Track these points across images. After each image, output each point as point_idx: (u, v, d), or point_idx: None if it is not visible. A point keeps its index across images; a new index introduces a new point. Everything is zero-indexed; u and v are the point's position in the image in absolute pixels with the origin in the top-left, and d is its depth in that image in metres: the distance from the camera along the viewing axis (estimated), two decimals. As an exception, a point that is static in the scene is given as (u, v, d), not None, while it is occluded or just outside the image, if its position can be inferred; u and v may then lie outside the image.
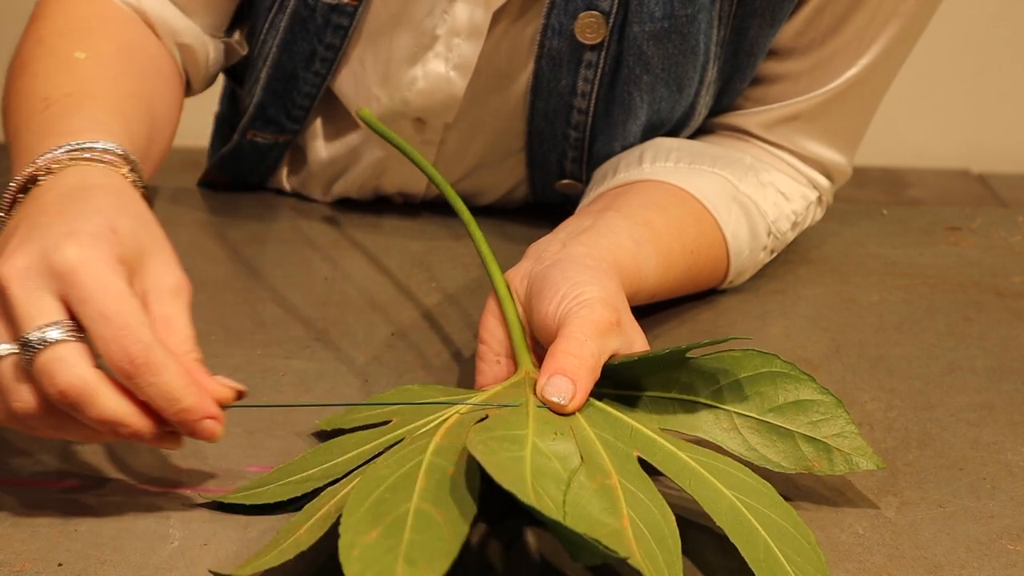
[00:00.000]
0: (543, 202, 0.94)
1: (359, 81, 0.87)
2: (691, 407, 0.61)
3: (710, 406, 0.61)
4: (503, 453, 0.53)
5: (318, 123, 0.93)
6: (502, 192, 0.95)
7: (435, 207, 0.97)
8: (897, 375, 0.74)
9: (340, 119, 0.92)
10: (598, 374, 0.60)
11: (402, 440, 0.58)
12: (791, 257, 0.89)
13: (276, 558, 0.52)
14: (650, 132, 0.86)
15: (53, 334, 0.54)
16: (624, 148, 0.86)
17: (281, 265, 0.86)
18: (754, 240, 0.82)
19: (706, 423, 0.60)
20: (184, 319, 0.57)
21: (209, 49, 0.86)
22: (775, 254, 0.86)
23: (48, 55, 0.75)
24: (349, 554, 0.49)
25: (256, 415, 0.67)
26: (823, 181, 0.87)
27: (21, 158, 0.65)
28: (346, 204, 0.96)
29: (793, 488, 0.62)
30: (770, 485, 0.57)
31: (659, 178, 0.81)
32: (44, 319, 0.54)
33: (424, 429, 0.58)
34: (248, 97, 0.90)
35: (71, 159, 0.62)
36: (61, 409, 0.54)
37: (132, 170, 0.64)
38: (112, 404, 0.54)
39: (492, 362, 0.66)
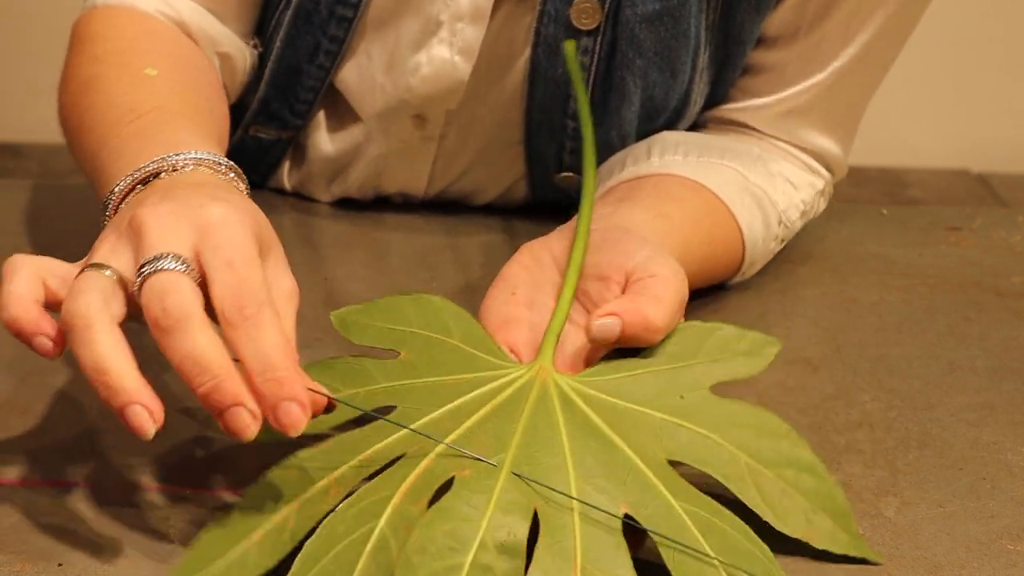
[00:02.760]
0: (542, 200, 0.94)
1: (363, 71, 0.87)
2: (704, 440, 0.58)
3: (722, 445, 0.58)
4: (437, 563, 0.51)
5: (321, 119, 0.93)
6: (501, 189, 0.95)
7: (435, 207, 0.97)
8: (897, 375, 0.74)
9: (343, 114, 0.92)
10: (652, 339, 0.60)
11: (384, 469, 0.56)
12: (791, 256, 0.90)
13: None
14: (645, 120, 0.86)
15: (171, 263, 0.53)
16: (620, 137, 0.87)
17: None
18: (767, 230, 0.83)
19: (717, 461, 0.58)
20: (291, 323, 0.57)
21: (246, 56, 0.87)
22: (784, 244, 0.86)
23: (117, 71, 0.76)
24: None
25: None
26: (825, 172, 0.88)
27: (117, 161, 0.65)
28: (347, 204, 0.96)
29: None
30: (771, 555, 0.55)
31: (670, 171, 0.81)
32: (169, 250, 0.53)
33: (396, 467, 0.55)
34: (251, 93, 0.90)
35: (196, 163, 0.62)
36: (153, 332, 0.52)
37: (243, 182, 0.65)
38: (205, 341, 0.51)
39: (503, 300, 0.65)
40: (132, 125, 0.69)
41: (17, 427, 0.65)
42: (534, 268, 0.67)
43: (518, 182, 0.94)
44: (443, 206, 0.97)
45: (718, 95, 0.87)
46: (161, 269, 0.53)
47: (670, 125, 0.87)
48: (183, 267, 0.53)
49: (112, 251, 0.55)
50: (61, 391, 0.69)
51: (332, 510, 0.54)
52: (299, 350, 0.74)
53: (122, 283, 0.54)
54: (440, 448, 0.56)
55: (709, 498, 0.56)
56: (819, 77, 0.84)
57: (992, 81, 2.22)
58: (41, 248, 0.87)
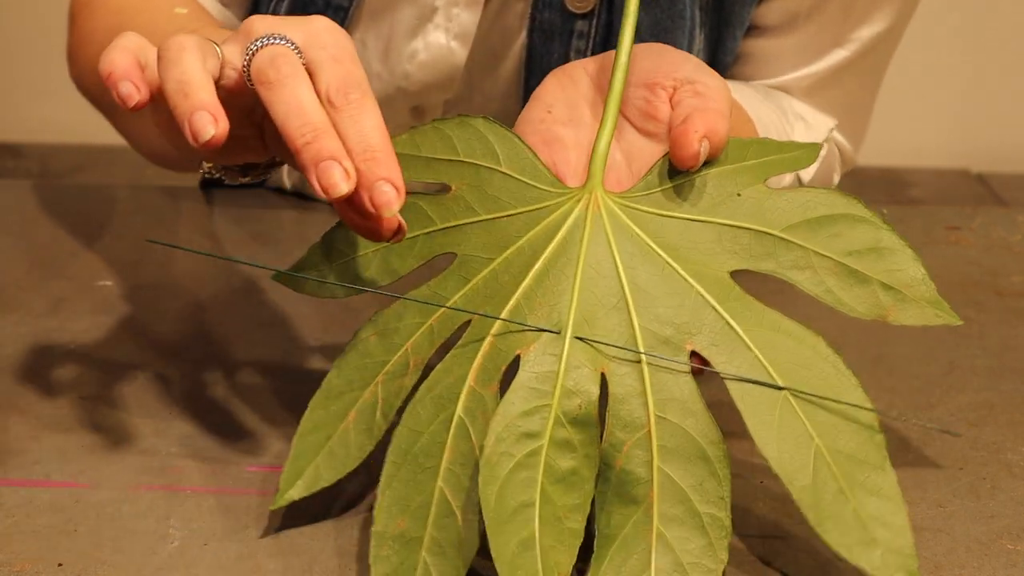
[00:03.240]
0: None
1: (363, 60, 0.87)
2: (763, 240, 0.57)
3: (785, 241, 0.57)
4: (518, 453, 0.53)
5: None
6: None
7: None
8: (897, 375, 0.74)
9: None
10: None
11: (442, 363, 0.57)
12: (791, 257, 0.89)
13: (329, 472, 0.57)
14: None
15: (281, 41, 0.54)
16: None
17: (281, 265, 0.86)
18: None
19: (779, 258, 0.57)
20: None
21: None
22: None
23: (147, 14, 0.75)
24: (379, 552, 0.53)
25: (255, 416, 0.67)
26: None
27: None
28: (346, 204, 0.96)
29: (793, 488, 0.62)
30: (844, 366, 0.55)
31: None
32: (278, 34, 0.54)
33: (461, 348, 0.57)
34: None
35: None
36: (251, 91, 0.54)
37: None
38: (311, 97, 0.52)
39: (539, 119, 0.62)
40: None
41: (17, 427, 0.65)
42: (569, 86, 0.63)
43: None
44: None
45: None
46: (272, 44, 0.53)
47: None
48: (292, 47, 0.54)
49: (221, 44, 0.55)
50: (61, 391, 0.69)
51: (415, 387, 0.56)
52: (299, 350, 0.74)
53: (224, 63, 0.55)
54: (504, 316, 0.57)
55: (774, 313, 0.56)
56: (817, 67, 0.84)
57: (992, 81, 2.22)
58: (41, 248, 0.87)
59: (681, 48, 0.82)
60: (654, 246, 0.57)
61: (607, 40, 0.83)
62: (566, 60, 0.84)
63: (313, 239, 0.90)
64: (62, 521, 0.58)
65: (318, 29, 0.55)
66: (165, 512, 0.59)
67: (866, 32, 0.83)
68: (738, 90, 0.80)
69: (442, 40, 0.84)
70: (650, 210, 0.58)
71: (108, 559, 0.56)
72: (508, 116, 0.89)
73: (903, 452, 0.66)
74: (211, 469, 0.62)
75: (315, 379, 0.71)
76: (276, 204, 0.96)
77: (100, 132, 0.98)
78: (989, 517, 0.61)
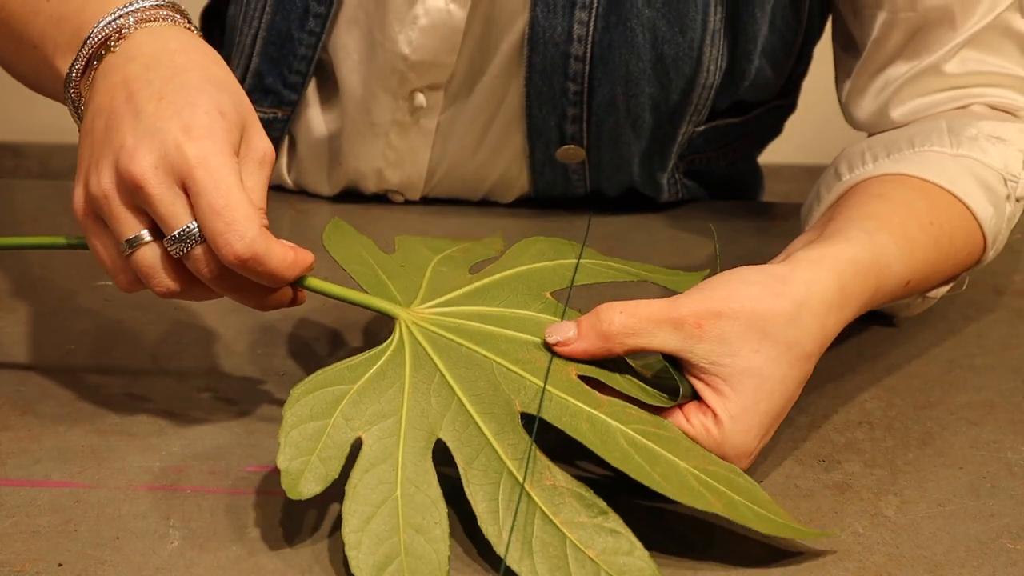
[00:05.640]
0: (543, 188, 0.94)
1: (359, 32, 0.88)
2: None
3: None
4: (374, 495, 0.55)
5: (317, 103, 0.93)
6: (500, 171, 0.94)
7: (435, 204, 0.97)
8: (897, 374, 0.74)
9: (336, 95, 0.92)
10: (610, 347, 0.60)
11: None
12: (791, 256, 0.89)
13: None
14: (656, 81, 0.86)
15: (181, 246, 0.59)
16: (628, 97, 0.87)
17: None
18: (992, 194, 0.77)
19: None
20: (261, 190, 0.62)
21: None
22: (1022, 202, 0.80)
23: None
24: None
25: (255, 416, 0.67)
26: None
27: (65, 23, 0.65)
28: (347, 203, 0.96)
29: (792, 487, 0.62)
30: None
31: (865, 178, 0.77)
32: (185, 216, 0.59)
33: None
34: (242, 68, 0.91)
35: (137, 20, 0.63)
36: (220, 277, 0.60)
37: (183, 15, 0.65)
38: (279, 253, 0.61)
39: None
40: None
41: (17, 427, 0.65)
42: None
43: (518, 164, 0.94)
44: (442, 207, 0.97)
45: (736, 72, 0.87)
46: (197, 238, 0.59)
47: (685, 94, 0.87)
48: (192, 238, 0.59)
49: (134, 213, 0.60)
50: (61, 391, 0.69)
51: None
52: (300, 352, 0.74)
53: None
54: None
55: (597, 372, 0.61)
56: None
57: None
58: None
59: (694, 23, 0.83)
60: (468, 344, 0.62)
61: (608, 13, 0.83)
62: (569, 34, 0.84)
63: (313, 238, 0.90)
64: (62, 521, 0.58)
65: (188, 170, 0.59)
66: (165, 512, 0.59)
67: None
68: (920, 161, 0.77)
69: (440, 3, 0.85)
70: (455, 320, 0.64)
71: (108, 559, 0.56)
72: (509, 98, 0.89)
73: (903, 451, 0.66)
74: (211, 469, 0.62)
75: (315, 379, 0.71)
76: (277, 203, 0.96)
77: (100, 132, 0.97)
78: (989, 516, 0.61)
